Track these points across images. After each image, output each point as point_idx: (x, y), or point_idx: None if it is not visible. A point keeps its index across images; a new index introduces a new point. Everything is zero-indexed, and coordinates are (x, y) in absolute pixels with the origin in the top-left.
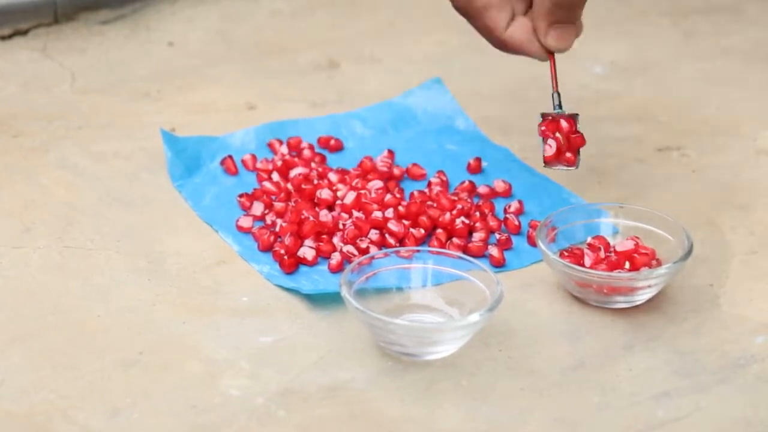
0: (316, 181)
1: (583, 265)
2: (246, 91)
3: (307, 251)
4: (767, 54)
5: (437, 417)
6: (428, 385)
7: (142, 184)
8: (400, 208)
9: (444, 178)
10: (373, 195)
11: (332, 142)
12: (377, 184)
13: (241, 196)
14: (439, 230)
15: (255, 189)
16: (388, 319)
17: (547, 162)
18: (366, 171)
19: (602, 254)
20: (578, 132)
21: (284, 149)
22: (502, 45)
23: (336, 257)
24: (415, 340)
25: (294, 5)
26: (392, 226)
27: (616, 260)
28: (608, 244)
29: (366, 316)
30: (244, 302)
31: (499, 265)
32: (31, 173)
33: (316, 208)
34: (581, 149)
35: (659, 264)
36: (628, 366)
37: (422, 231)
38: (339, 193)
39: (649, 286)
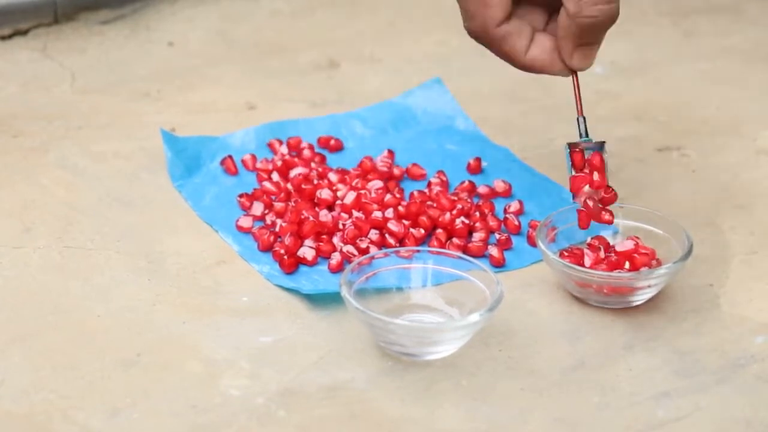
0: (316, 181)
1: (583, 265)
2: (246, 91)
3: (307, 251)
4: (767, 54)
5: (437, 417)
6: (428, 385)
7: (142, 184)
8: (400, 208)
9: (444, 178)
10: (373, 195)
11: (332, 142)
12: (377, 184)
13: (241, 196)
14: (439, 230)
15: (255, 189)
16: (388, 319)
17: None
18: (366, 171)
19: (602, 254)
20: (610, 189)
21: (284, 149)
22: (524, 68)
23: (336, 257)
24: (415, 340)
25: (294, 5)
26: (392, 226)
27: (616, 260)
28: (608, 244)
29: (366, 316)
30: (244, 302)
31: (499, 265)
32: (31, 173)
33: (316, 208)
34: (608, 175)
35: (659, 264)
36: (628, 366)
37: (422, 231)
38: (339, 193)
39: (649, 286)
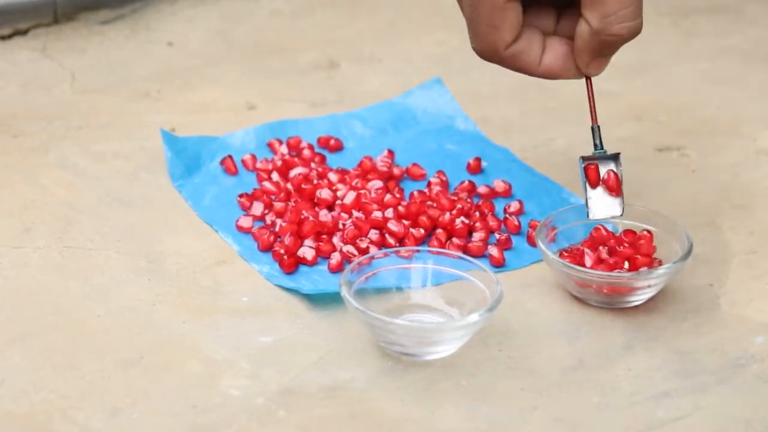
0: (315, 181)
1: (583, 265)
2: (246, 91)
3: (306, 251)
4: (767, 54)
5: (437, 417)
6: (428, 385)
7: (142, 184)
8: (400, 208)
9: (444, 178)
10: (373, 195)
11: (332, 142)
12: (377, 184)
13: (241, 196)
14: (439, 230)
15: (255, 189)
16: (388, 319)
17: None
18: (366, 171)
19: (603, 254)
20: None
21: (284, 149)
22: (540, 77)
23: (336, 257)
24: (415, 340)
25: (294, 5)
26: (392, 226)
27: (615, 261)
28: (611, 234)
29: (366, 316)
30: (244, 302)
31: (498, 265)
32: (31, 173)
33: (316, 208)
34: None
35: (659, 264)
36: (627, 366)
37: (422, 231)
38: (339, 193)
39: (649, 286)
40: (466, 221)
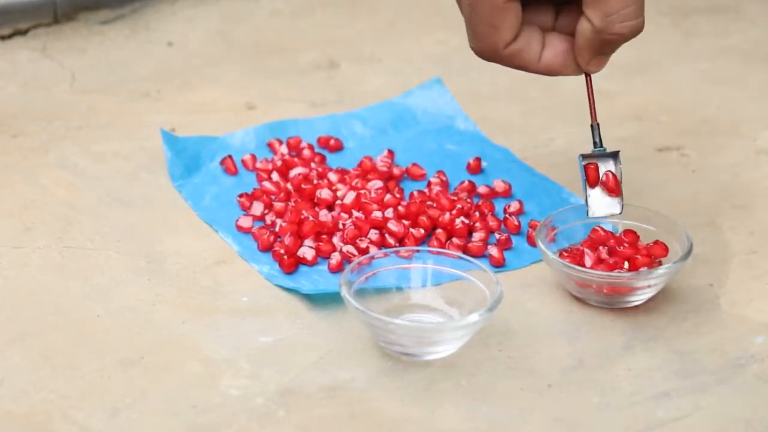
0: (315, 181)
1: (583, 265)
2: (246, 91)
3: (306, 251)
4: (767, 54)
5: (437, 417)
6: (428, 385)
7: (142, 184)
8: (400, 208)
9: (444, 178)
10: (373, 195)
11: (332, 142)
12: (377, 184)
13: (240, 196)
14: (439, 230)
15: (255, 189)
16: (388, 319)
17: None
18: (366, 171)
19: (603, 254)
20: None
21: (284, 149)
22: (540, 74)
23: (336, 257)
24: (415, 340)
25: (294, 5)
26: (392, 226)
27: (615, 261)
28: (611, 234)
29: (366, 316)
30: (244, 302)
31: (498, 265)
32: (31, 173)
33: (316, 208)
34: (622, 185)
35: (659, 264)
36: (627, 366)
37: (422, 231)
38: (339, 193)
39: (649, 286)
40: (466, 221)
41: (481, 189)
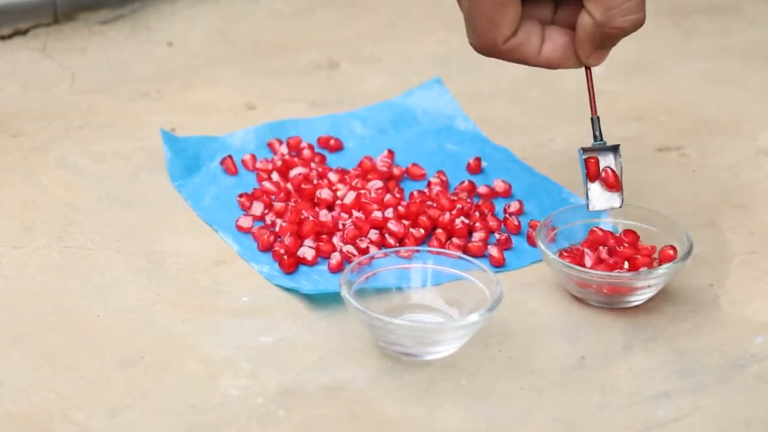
0: (315, 181)
1: (583, 265)
2: (246, 91)
3: (306, 251)
4: (767, 54)
5: (437, 417)
6: (428, 385)
7: (142, 184)
8: (400, 208)
9: (444, 178)
10: (373, 195)
11: (332, 142)
12: (377, 184)
13: (240, 196)
14: (439, 230)
15: (255, 189)
16: (388, 319)
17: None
18: (366, 171)
19: (603, 254)
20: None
21: (284, 149)
22: (540, 67)
23: (336, 257)
24: (415, 340)
25: (294, 5)
26: (392, 226)
27: (615, 261)
28: (611, 233)
29: (366, 316)
30: (244, 302)
31: (498, 265)
32: (31, 173)
33: (316, 208)
34: (622, 179)
35: (659, 264)
36: (627, 366)
37: (422, 231)
38: (339, 193)
39: (649, 286)
40: (466, 221)
41: (481, 189)
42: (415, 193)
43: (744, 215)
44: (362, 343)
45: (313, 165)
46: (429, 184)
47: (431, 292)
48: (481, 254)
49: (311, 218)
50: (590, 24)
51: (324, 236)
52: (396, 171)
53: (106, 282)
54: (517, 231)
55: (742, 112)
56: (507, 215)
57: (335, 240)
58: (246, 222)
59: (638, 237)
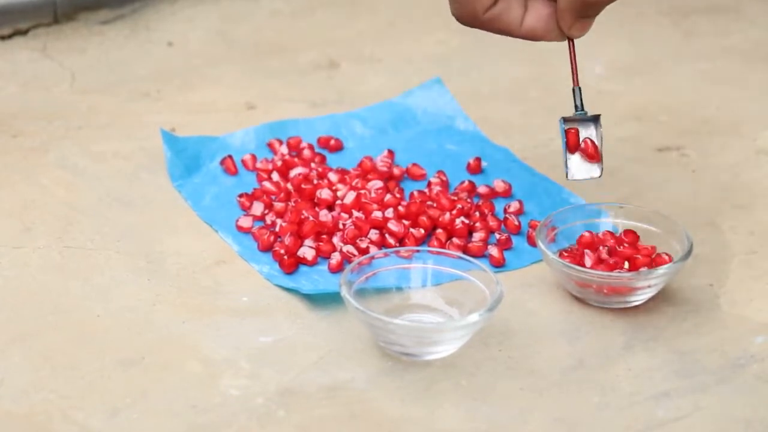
0: (316, 181)
1: (583, 265)
2: (246, 91)
3: (307, 251)
4: (767, 54)
5: (437, 417)
6: (428, 385)
7: (142, 184)
8: (400, 208)
9: (444, 178)
10: (373, 195)
11: (332, 142)
12: (377, 184)
13: (241, 196)
14: (439, 230)
15: (255, 189)
16: (388, 319)
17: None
18: (366, 171)
19: (603, 254)
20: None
21: (284, 149)
22: (523, 38)
23: (336, 257)
24: (415, 340)
25: (294, 5)
26: (392, 226)
27: (615, 261)
28: (610, 234)
29: (366, 316)
30: (244, 302)
31: (498, 265)
32: (31, 173)
33: (316, 208)
34: (602, 150)
35: (659, 264)
36: (627, 366)
37: (422, 231)
38: (339, 193)
39: (649, 286)
40: (466, 221)
41: (481, 189)
42: (415, 193)
43: (744, 215)
44: (362, 343)
45: (313, 165)
46: (429, 184)
47: (431, 292)
48: (481, 254)
49: (311, 218)
50: None
51: (324, 236)
52: (396, 171)
53: (106, 282)
54: (517, 231)
55: (742, 112)
56: (507, 215)
57: (335, 240)
58: (246, 222)
59: (638, 237)
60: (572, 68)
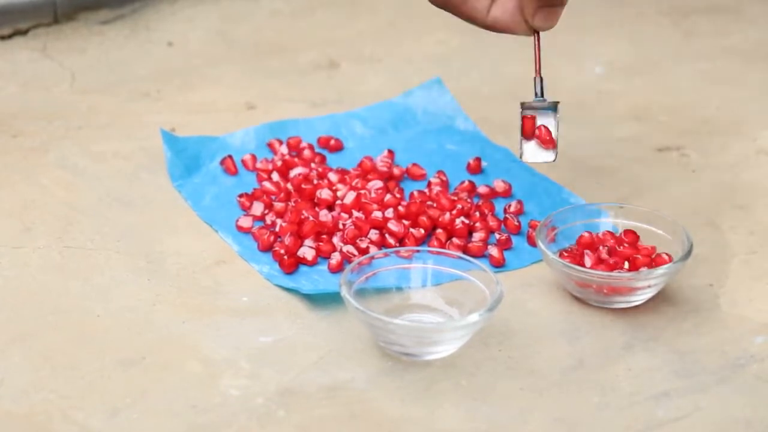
0: (316, 181)
1: (583, 265)
2: (246, 91)
3: (307, 251)
4: (767, 54)
5: (437, 417)
6: (428, 385)
7: (142, 184)
8: (400, 208)
9: (444, 178)
10: (373, 195)
11: (332, 142)
12: (377, 184)
13: (241, 196)
14: (439, 230)
15: (255, 189)
16: (388, 319)
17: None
18: (366, 171)
19: (603, 254)
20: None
21: (284, 149)
22: (487, 28)
23: (336, 257)
24: (415, 340)
25: (294, 5)
26: (392, 226)
27: (615, 261)
28: (610, 234)
29: (366, 316)
30: (244, 302)
31: (498, 265)
32: (31, 173)
33: (316, 208)
34: (557, 138)
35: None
36: (627, 366)
37: (422, 231)
38: (339, 193)
39: (649, 286)
40: (466, 221)
41: (481, 189)
42: (415, 193)
43: (744, 215)
44: (362, 343)
45: (313, 165)
46: (429, 184)
47: (431, 292)
48: (481, 254)
49: (311, 218)
50: None
51: (324, 236)
52: (396, 171)
53: (106, 282)
54: (517, 231)
55: (742, 112)
56: (507, 215)
57: (335, 240)
58: (246, 222)
59: (638, 237)
60: (536, 59)
